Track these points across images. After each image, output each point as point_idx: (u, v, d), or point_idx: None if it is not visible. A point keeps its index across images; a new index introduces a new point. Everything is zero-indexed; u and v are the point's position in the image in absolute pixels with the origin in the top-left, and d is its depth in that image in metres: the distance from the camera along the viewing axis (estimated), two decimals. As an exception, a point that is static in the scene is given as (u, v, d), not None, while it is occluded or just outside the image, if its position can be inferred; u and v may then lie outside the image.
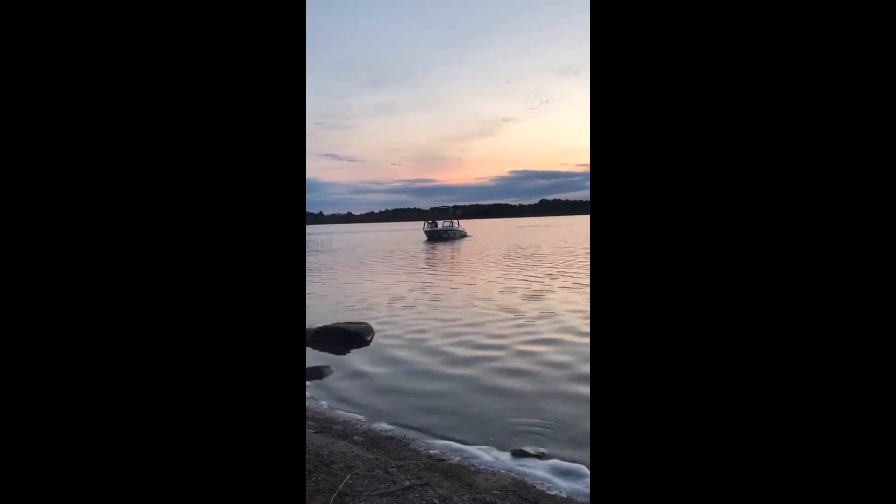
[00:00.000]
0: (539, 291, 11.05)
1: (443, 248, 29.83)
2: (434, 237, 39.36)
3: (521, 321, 8.08)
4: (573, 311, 8.68)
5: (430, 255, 24.74)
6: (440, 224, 42.72)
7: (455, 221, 45.07)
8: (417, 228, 51.08)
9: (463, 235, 42.26)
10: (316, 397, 5.04)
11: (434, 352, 6.56)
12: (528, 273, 14.72)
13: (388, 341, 7.19)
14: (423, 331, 7.74)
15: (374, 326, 7.87)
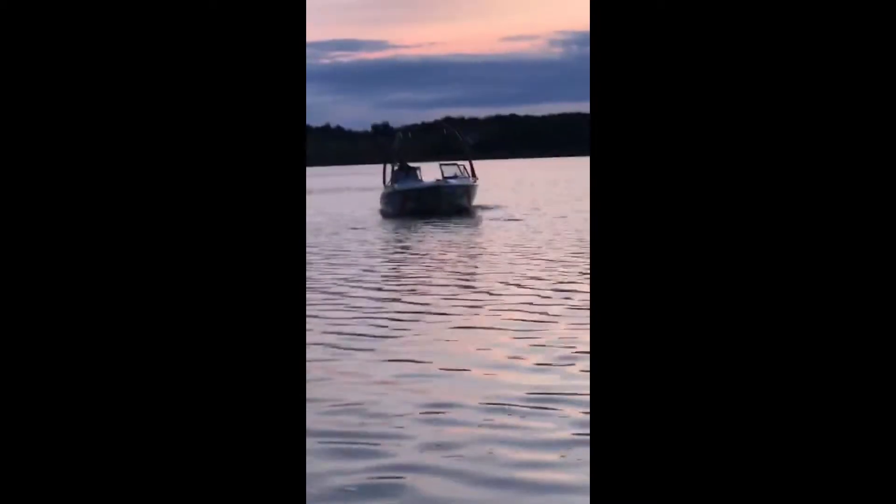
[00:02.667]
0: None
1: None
2: (411, 206, 16.42)
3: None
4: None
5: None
6: (447, 173, 17.98)
7: (464, 165, 18.34)
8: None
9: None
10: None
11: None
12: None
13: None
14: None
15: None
